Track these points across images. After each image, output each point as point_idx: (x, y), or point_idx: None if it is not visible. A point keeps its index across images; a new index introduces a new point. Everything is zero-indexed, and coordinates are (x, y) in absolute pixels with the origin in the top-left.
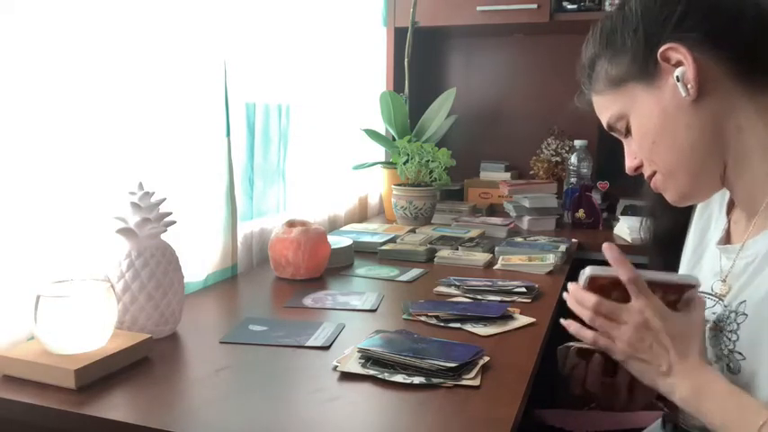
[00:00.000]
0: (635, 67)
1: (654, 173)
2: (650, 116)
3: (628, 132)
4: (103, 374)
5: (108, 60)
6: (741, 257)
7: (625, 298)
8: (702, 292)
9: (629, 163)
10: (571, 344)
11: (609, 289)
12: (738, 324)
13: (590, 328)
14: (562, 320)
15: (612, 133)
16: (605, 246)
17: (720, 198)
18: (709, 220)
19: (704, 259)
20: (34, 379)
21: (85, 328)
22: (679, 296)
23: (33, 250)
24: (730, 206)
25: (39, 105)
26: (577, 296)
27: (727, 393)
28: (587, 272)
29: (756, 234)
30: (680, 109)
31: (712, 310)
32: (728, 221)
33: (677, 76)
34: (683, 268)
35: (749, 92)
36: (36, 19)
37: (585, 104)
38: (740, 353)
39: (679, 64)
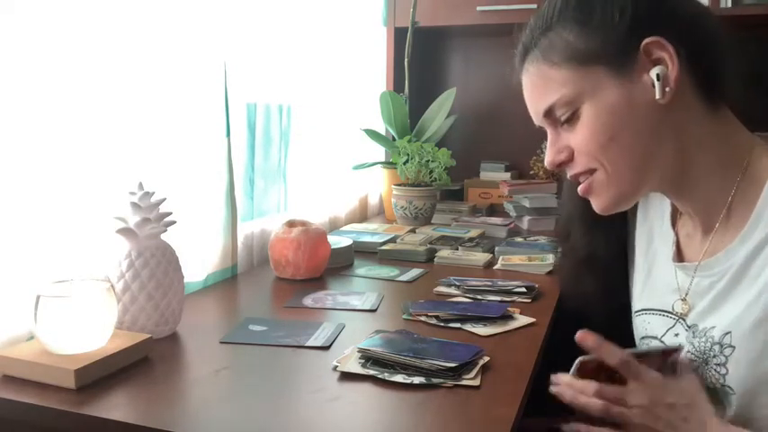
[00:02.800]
0: (609, 49)
1: (591, 171)
2: (614, 110)
3: (567, 122)
4: (103, 374)
5: (108, 61)
6: (703, 276)
7: (614, 376)
8: (662, 311)
9: (555, 156)
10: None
11: (598, 371)
12: (726, 357)
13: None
14: (565, 428)
15: (544, 118)
16: (579, 336)
17: (660, 210)
18: (650, 233)
19: (655, 275)
20: (34, 379)
21: (85, 328)
22: (662, 363)
23: (33, 250)
24: (674, 218)
25: (39, 106)
26: (575, 387)
27: None
28: (577, 360)
29: (717, 251)
30: (649, 111)
31: (674, 330)
32: (676, 235)
33: (657, 75)
34: (637, 286)
35: (710, 108)
36: (36, 19)
37: (518, 72)
38: (730, 387)
39: (658, 62)
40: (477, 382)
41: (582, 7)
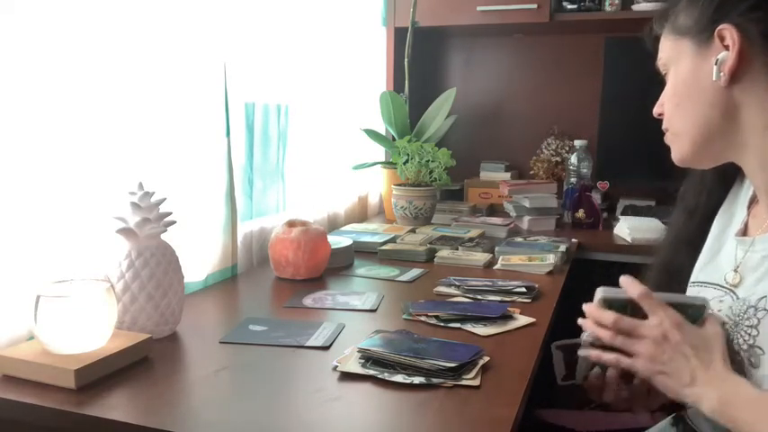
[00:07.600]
0: (696, 27)
1: (666, 129)
2: (685, 78)
3: (665, 80)
4: (103, 374)
5: (109, 61)
6: (756, 250)
7: (637, 318)
8: (714, 284)
9: (656, 109)
10: (579, 345)
11: (620, 311)
12: (759, 319)
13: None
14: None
15: (660, 75)
16: (622, 278)
17: (745, 194)
18: (732, 216)
19: (722, 251)
20: (34, 379)
21: (85, 328)
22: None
23: (33, 250)
24: (752, 200)
25: (39, 106)
26: (595, 316)
27: (757, 399)
28: (599, 294)
29: None
30: (710, 88)
31: (720, 298)
32: (748, 215)
33: (717, 59)
34: (700, 262)
35: None
36: (36, 19)
37: (649, 40)
38: (760, 347)
39: (728, 48)
40: (477, 382)
41: None
